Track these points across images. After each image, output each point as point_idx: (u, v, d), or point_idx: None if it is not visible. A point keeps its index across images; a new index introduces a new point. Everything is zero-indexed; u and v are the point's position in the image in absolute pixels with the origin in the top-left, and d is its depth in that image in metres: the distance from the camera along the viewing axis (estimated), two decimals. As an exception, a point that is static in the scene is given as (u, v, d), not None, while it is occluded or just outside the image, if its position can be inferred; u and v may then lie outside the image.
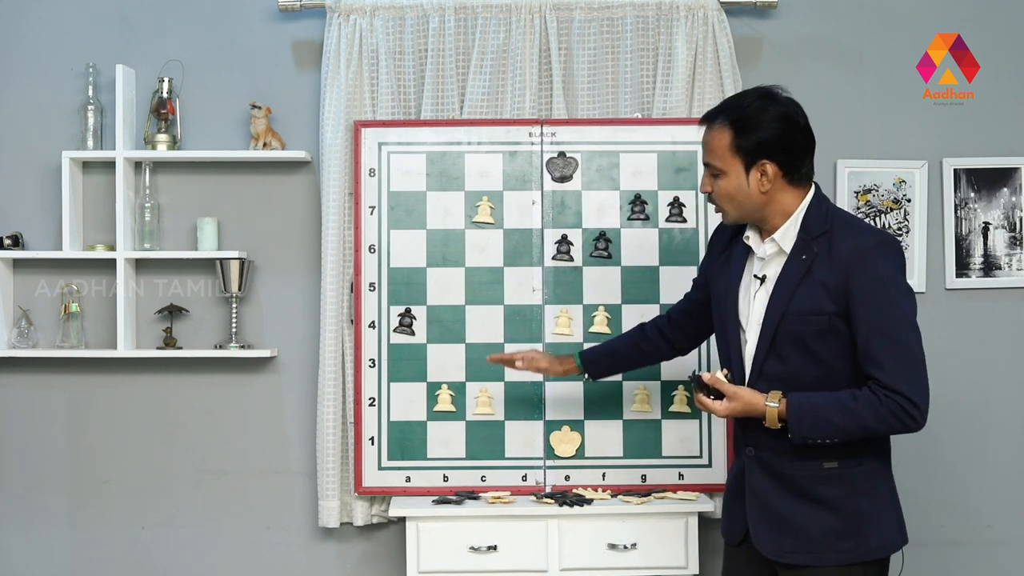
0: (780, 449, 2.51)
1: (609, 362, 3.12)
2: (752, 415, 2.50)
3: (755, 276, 2.56)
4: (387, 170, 3.47)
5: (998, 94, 3.61)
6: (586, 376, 3.13)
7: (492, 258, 3.47)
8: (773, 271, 2.54)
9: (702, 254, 3.32)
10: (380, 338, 3.45)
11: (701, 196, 3.46)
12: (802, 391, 2.47)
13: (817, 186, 2.58)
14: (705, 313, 2.81)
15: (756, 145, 2.48)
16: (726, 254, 2.68)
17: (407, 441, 3.44)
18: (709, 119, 2.56)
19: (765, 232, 2.57)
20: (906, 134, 3.60)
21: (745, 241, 2.61)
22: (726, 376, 2.54)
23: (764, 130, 2.48)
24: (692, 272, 3.25)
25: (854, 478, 2.50)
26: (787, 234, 2.52)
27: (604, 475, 3.43)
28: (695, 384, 2.55)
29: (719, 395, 2.52)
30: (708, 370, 3.33)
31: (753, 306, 2.55)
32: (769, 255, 2.55)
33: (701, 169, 2.62)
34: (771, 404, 2.46)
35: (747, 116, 2.49)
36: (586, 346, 3.26)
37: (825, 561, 2.48)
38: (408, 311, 3.46)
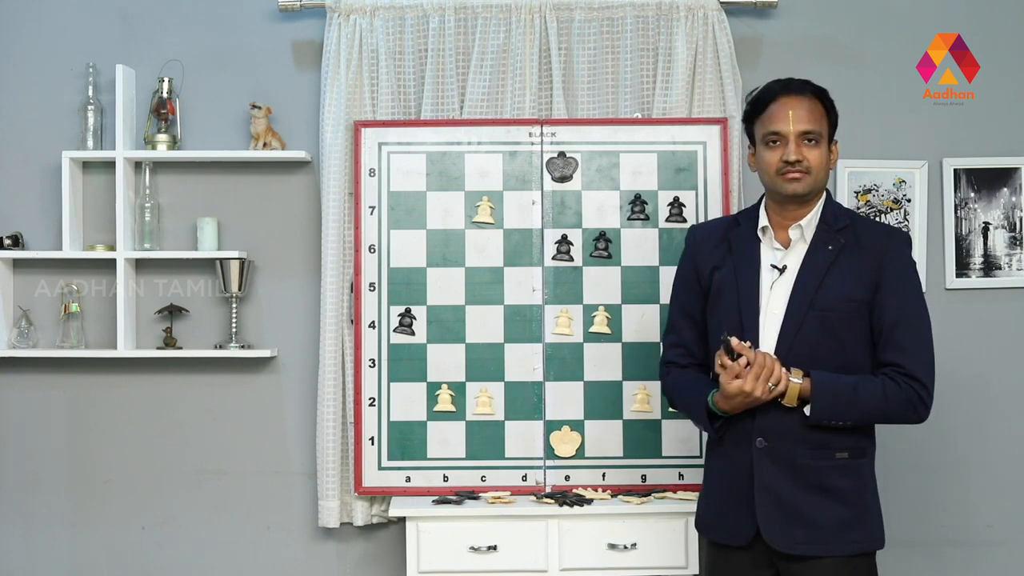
0: (795, 438, 2.52)
1: None
2: None
3: (773, 266, 2.58)
4: (387, 170, 3.48)
5: (998, 94, 3.61)
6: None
7: (492, 258, 3.47)
8: (793, 261, 2.58)
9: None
10: (380, 338, 3.45)
11: (701, 196, 3.46)
12: None
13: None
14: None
15: (835, 122, 2.64)
16: (723, 248, 2.68)
17: (407, 441, 3.44)
18: (798, 89, 2.60)
19: (786, 220, 2.60)
20: (906, 134, 3.60)
21: (759, 234, 2.63)
22: (750, 347, 2.52)
23: (835, 111, 2.64)
24: (692, 272, 3.24)
25: (860, 469, 2.55)
26: (811, 222, 2.59)
27: (604, 475, 3.43)
28: (724, 347, 2.51)
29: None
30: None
31: (771, 296, 2.57)
32: (794, 240, 2.59)
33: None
34: (795, 380, 2.48)
35: (826, 94, 2.63)
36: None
37: (835, 552, 2.50)
38: (408, 311, 3.46)
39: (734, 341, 2.49)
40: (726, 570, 2.65)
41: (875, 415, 2.52)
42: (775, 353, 2.53)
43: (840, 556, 2.51)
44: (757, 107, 2.62)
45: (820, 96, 2.61)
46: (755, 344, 2.56)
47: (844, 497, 2.52)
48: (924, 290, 3.51)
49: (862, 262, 2.54)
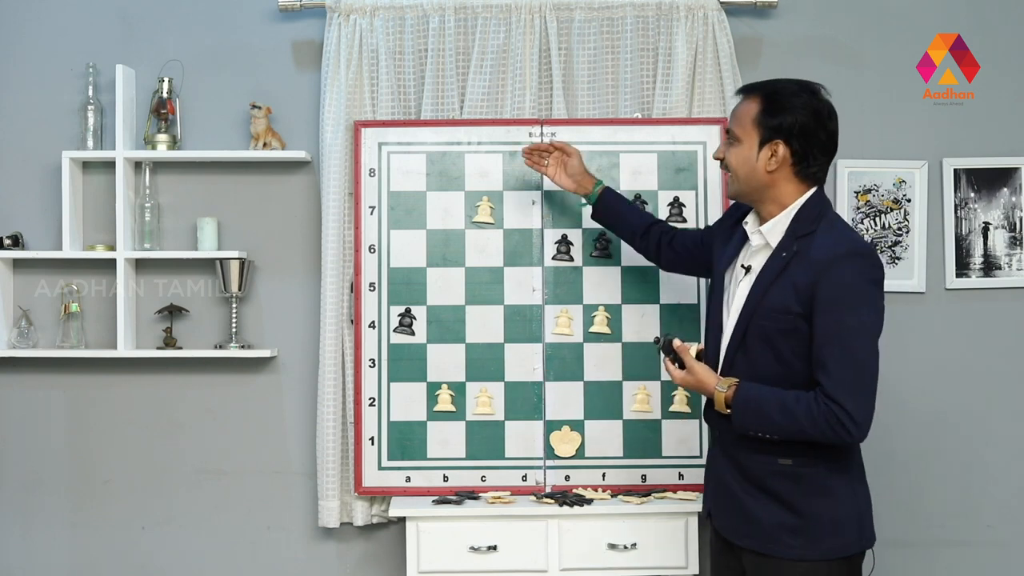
0: (737, 440, 2.55)
1: (613, 216, 3.20)
2: (702, 393, 2.59)
3: (741, 265, 2.59)
4: (387, 170, 3.48)
5: (998, 94, 3.61)
6: (584, 203, 3.20)
7: (492, 258, 3.47)
8: (758, 263, 2.56)
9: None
10: (380, 338, 3.45)
11: (701, 196, 3.46)
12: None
13: (821, 189, 2.58)
14: (703, 258, 2.93)
15: (777, 125, 2.52)
16: (727, 234, 2.74)
17: (407, 441, 3.44)
18: (746, 90, 2.61)
19: (761, 221, 2.60)
20: (906, 134, 3.60)
21: (744, 225, 2.63)
22: (699, 352, 2.60)
23: (789, 114, 2.51)
24: (692, 272, 3.25)
25: (807, 478, 2.49)
26: (776, 228, 2.54)
27: (604, 475, 3.43)
28: (663, 346, 2.61)
29: (683, 363, 2.59)
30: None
31: (735, 295, 2.58)
32: (756, 246, 2.58)
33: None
34: (720, 388, 2.52)
35: (779, 96, 2.54)
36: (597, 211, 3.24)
37: (773, 552, 2.49)
38: (408, 311, 3.46)
39: (675, 342, 2.56)
40: (712, 547, 2.75)
41: (794, 433, 2.44)
42: (725, 354, 2.57)
43: (785, 559, 2.48)
44: None
45: (765, 96, 2.54)
46: (715, 345, 2.61)
47: (786, 502, 2.49)
48: (924, 291, 3.55)
49: (803, 274, 2.46)
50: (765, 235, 2.55)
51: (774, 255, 2.53)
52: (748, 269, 2.57)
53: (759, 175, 2.53)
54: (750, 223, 2.62)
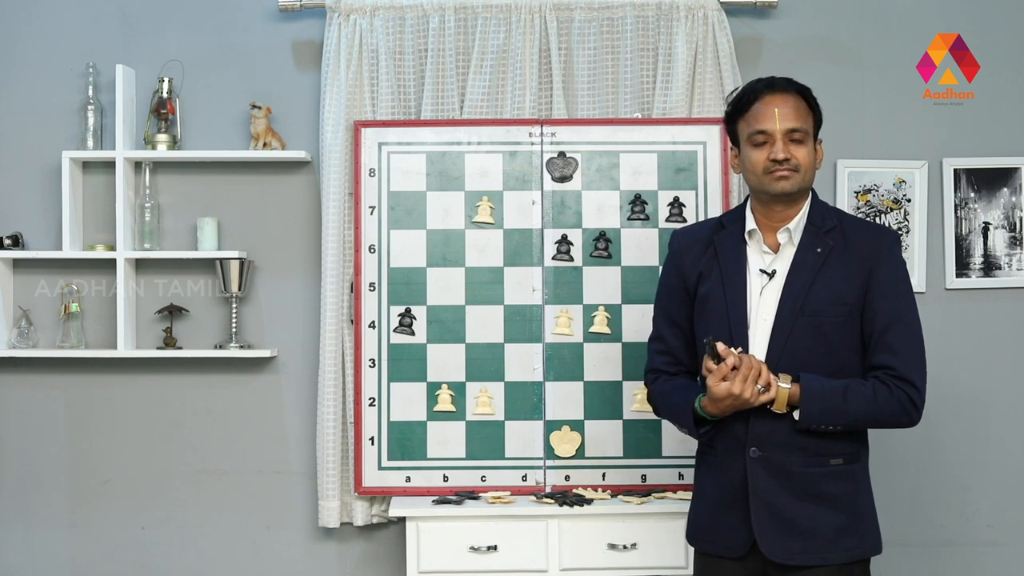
0: (790, 447, 2.48)
1: None
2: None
3: (762, 271, 2.54)
4: (387, 170, 3.48)
5: (998, 94, 3.61)
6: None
7: (492, 258, 3.47)
8: (782, 265, 2.53)
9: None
10: (380, 338, 3.45)
11: (701, 196, 3.46)
12: None
13: None
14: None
15: (819, 120, 2.59)
16: (709, 253, 2.62)
17: (407, 441, 3.44)
18: (782, 87, 2.55)
19: (774, 222, 2.56)
20: (906, 134, 3.60)
21: (747, 237, 2.58)
22: (740, 351, 2.47)
23: (819, 111, 2.59)
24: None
25: (855, 475, 2.52)
26: (799, 225, 2.54)
27: (604, 475, 3.43)
28: (709, 352, 2.45)
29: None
30: None
31: (760, 302, 2.53)
32: (781, 246, 2.54)
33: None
34: (783, 385, 2.43)
35: (811, 92, 2.58)
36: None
37: (832, 560, 2.47)
38: (408, 311, 3.46)
39: (720, 346, 2.45)
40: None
41: (865, 419, 2.48)
42: (766, 360, 2.49)
43: (845, 564, 2.48)
44: (740, 107, 2.56)
45: (804, 94, 2.56)
46: (746, 351, 2.50)
47: (839, 504, 2.49)
48: (924, 290, 3.55)
49: (852, 264, 2.50)
50: (792, 233, 2.54)
51: (804, 252, 2.52)
52: (772, 274, 2.53)
53: (814, 172, 2.55)
54: (755, 232, 2.57)
